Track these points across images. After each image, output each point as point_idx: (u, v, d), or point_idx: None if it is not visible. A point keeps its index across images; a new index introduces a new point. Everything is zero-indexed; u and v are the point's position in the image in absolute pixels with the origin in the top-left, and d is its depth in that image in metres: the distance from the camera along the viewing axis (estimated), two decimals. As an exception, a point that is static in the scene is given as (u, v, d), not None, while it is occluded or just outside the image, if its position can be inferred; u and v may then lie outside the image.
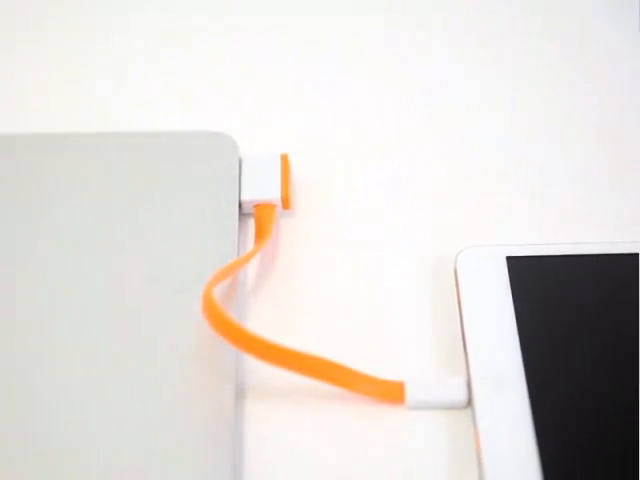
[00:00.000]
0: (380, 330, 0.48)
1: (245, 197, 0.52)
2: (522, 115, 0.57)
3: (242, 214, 0.52)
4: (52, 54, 0.60)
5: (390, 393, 0.45)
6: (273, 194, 0.52)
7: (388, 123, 0.57)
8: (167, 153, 0.53)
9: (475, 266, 0.49)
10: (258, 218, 0.52)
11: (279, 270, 0.50)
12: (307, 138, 0.56)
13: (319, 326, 0.48)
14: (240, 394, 0.46)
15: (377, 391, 0.45)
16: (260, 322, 0.48)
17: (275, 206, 0.52)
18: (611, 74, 0.59)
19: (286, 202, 0.52)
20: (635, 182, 0.54)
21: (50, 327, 0.46)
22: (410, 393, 0.45)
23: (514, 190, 0.53)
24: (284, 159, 0.53)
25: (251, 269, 0.50)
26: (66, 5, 0.63)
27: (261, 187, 0.52)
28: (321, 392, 0.45)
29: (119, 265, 0.49)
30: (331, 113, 0.58)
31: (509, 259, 0.49)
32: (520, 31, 0.61)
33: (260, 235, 0.51)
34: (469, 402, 0.45)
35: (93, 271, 0.48)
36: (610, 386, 0.45)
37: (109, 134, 0.54)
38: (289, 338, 0.45)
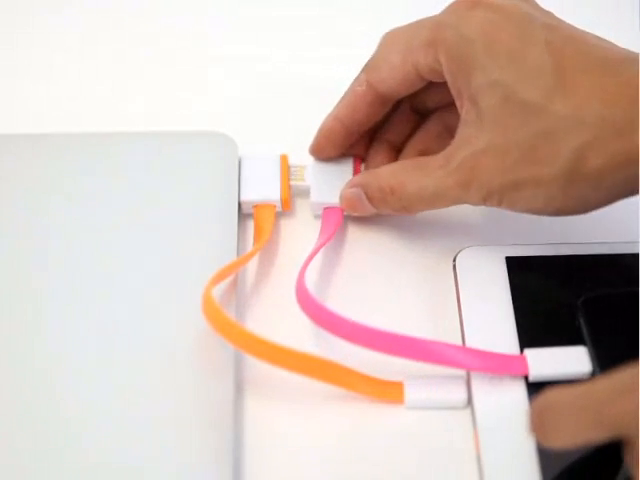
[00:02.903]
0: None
1: (244, 197, 0.52)
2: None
3: (241, 214, 0.52)
4: (53, 54, 0.60)
5: (389, 393, 0.45)
6: (272, 195, 0.52)
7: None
8: (167, 153, 0.53)
9: (475, 266, 0.49)
10: (257, 219, 0.52)
11: (278, 270, 0.50)
12: (307, 139, 0.55)
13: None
14: (239, 393, 0.46)
15: (376, 391, 0.45)
16: (260, 322, 0.48)
17: (274, 206, 0.52)
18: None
19: (286, 203, 0.52)
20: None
21: (51, 328, 0.46)
22: (409, 393, 0.45)
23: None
24: (284, 160, 0.53)
25: (250, 269, 0.50)
26: (65, 5, 0.63)
27: (260, 188, 0.52)
28: (320, 392, 0.45)
29: (119, 265, 0.49)
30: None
31: (508, 259, 0.49)
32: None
33: (259, 235, 0.51)
34: (468, 402, 0.45)
35: (93, 271, 0.48)
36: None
37: (109, 134, 0.54)
38: (289, 338, 0.45)
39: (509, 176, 0.44)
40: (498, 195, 0.45)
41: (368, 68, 0.50)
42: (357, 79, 0.50)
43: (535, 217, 0.50)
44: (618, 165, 0.43)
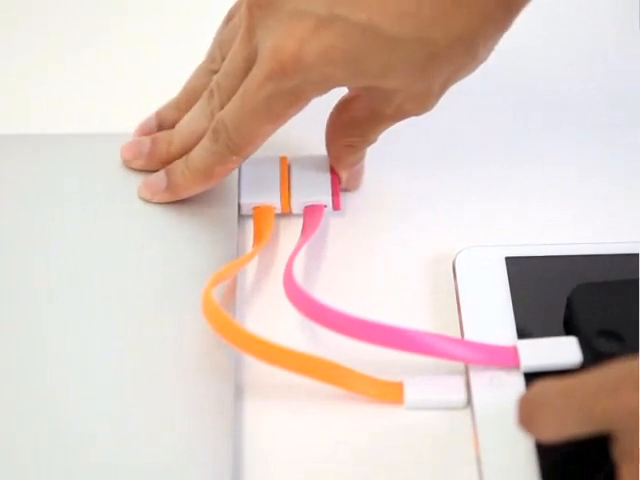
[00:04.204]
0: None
1: (244, 199, 0.52)
2: (522, 115, 0.57)
3: (241, 215, 0.52)
4: (53, 55, 0.60)
5: (389, 393, 0.45)
6: (272, 197, 0.52)
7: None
8: (167, 154, 0.53)
9: (474, 266, 0.49)
10: (257, 220, 0.52)
11: (278, 271, 0.50)
12: (307, 140, 0.55)
13: (318, 326, 0.48)
14: (239, 394, 0.46)
15: (376, 391, 0.45)
16: (260, 322, 0.48)
17: (274, 208, 0.52)
18: (610, 74, 0.59)
19: (286, 205, 0.52)
20: (635, 183, 0.54)
21: (51, 329, 0.46)
22: (409, 393, 0.45)
23: (514, 190, 0.53)
24: (284, 161, 0.53)
25: (250, 270, 0.50)
26: (68, 7, 0.63)
27: (260, 189, 0.52)
28: (320, 392, 0.45)
29: (119, 266, 0.49)
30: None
31: (508, 259, 0.49)
32: (519, 30, 0.61)
33: (259, 237, 0.51)
34: (468, 402, 0.45)
35: (93, 272, 0.48)
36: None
37: (110, 134, 0.54)
38: (289, 338, 0.45)
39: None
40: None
41: (237, 149, 0.49)
42: (223, 159, 0.49)
43: (535, 217, 0.50)
44: None
